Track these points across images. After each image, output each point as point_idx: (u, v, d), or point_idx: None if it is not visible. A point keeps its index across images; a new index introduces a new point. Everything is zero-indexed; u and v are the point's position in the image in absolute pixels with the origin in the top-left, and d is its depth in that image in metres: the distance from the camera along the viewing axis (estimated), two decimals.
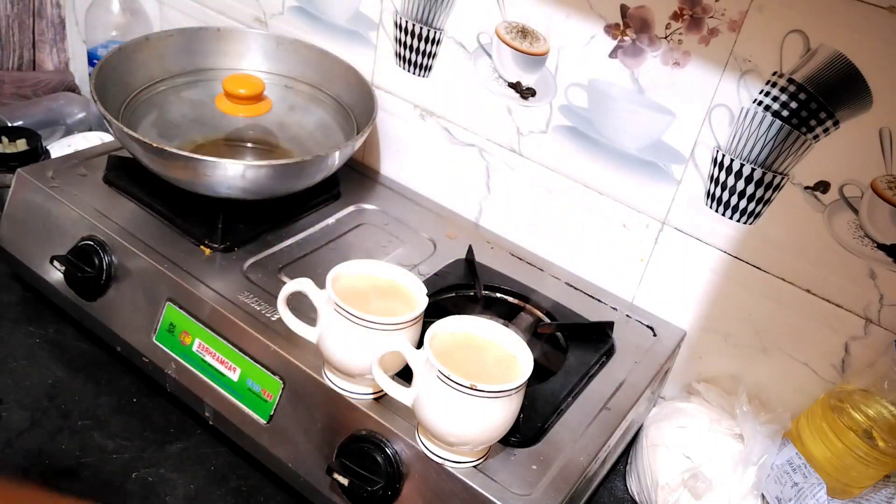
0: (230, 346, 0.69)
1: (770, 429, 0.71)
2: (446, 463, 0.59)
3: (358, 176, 0.98)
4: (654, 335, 0.80)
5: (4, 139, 0.95)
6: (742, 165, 0.72)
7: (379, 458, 0.61)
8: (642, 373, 0.74)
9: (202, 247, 0.78)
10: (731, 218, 0.75)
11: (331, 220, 0.87)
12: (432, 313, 0.64)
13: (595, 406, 0.69)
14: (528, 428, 0.64)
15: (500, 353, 0.59)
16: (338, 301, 0.59)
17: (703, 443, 0.73)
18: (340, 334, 0.59)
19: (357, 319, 0.58)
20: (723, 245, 0.77)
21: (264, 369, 0.68)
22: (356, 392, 0.63)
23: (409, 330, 0.60)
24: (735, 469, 0.69)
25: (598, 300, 0.84)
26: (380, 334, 0.58)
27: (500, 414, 0.55)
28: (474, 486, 0.58)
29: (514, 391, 0.55)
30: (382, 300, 0.62)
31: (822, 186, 0.69)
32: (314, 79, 0.97)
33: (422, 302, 0.61)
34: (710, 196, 0.75)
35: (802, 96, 0.67)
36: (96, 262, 0.76)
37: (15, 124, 1.07)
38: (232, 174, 0.74)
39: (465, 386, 0.53)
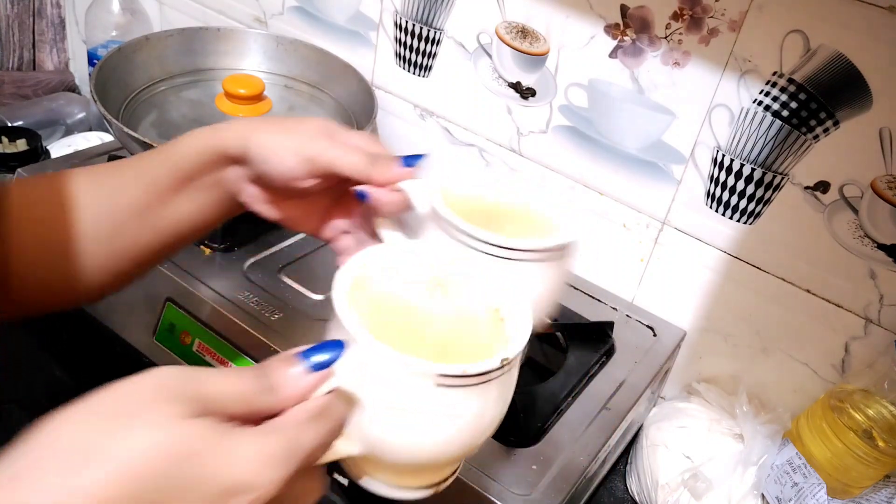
0: (230, 346, 0.69)
1: (770, 429, 0.71)
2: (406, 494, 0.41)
3: None
4: (654, 335, 0.80)
5: (4, 139, 0.95)
6: (742, 165, 0.72)
7: None
8: (642, 373, 0.74)
9: (202, 247, 0.78)
10: (731, 218, 0.75)
11: None
12: None
13: (595, 406, 0.69)
14: (528, 428, 0.64)
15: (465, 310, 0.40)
16: (455, 220, 0.41)
17: (703, 443, 0.73)
18: None
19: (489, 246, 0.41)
20: (723, 245, 0.77)
21: None
22: None
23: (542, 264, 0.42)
24: (735, 469, 0.69)
25: (598, 300, 0.84)
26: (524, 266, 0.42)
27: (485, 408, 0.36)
28: (474, 486, 0.58)
29: (499, 371, 0.35)
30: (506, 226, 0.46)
31: (822, 186, 0.69)
32: (314, 79, 0.97)
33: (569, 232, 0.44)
34: (710, 196, 0.75)
35: (802, 96, 0.67)
36: None
37: (15, 124, 1.07)
38: None
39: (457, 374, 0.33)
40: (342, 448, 0.35)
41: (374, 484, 0.40)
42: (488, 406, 0.36)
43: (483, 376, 0.34)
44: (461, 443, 0.36)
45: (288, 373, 0.33)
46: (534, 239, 0.42)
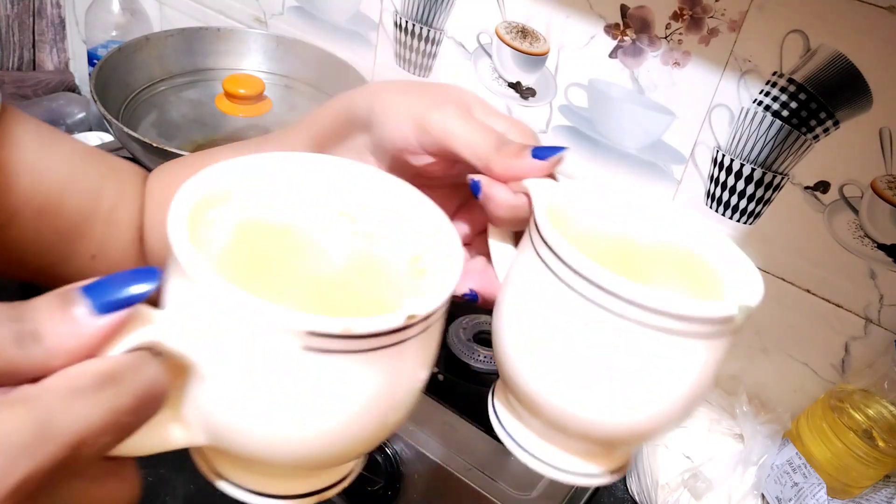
0: None
1: (770, 429, 0.71)
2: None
3: None
4: None
5: None
6: (742, 165, 0.72)
7: (379, 458, 0.61)
8: None
9: None
10: (731, 218, 0.75)
11: None
12: None
13: None
14: None
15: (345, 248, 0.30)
16: (576, 263, 0.27)
17: (703, 443, 0.73)
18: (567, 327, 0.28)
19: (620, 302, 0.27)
20: None
21: None
22: None
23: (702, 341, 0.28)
24: (735, 469, 0.69)
25: None
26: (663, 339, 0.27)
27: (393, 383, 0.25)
28: (474, 486, 0.58)
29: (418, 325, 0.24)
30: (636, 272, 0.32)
31: (822, 186, 0.69)
32: (314, 79, 0.97)
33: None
34: (710, 196, 0.75)
35: (802, 96, 0.67)
36: None
37: None
38: None
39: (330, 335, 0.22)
40: (176, 435, 0.25)
41: (232, 488, 0.28)
42: (386, 385, 0.24)
43: (378, 338, 0.23)
44: (344, 436, 0.25)
45: (62, 314, 0.21)
46: (704, 302, 0.29)
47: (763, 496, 0.70)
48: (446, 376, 0.69)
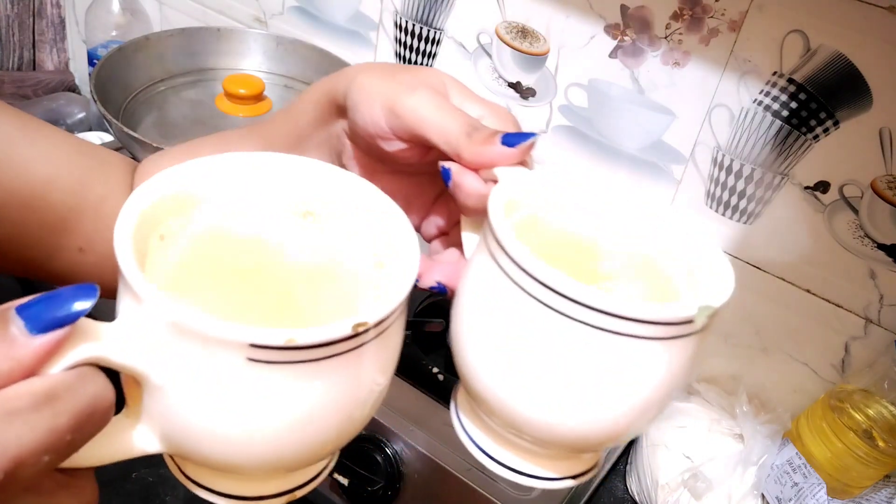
0: None
1: (770, 429, 0.71)
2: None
3: None
4: None
5: None
6: (742, 165, 0.72)
7: (379, 458, 0.61)
8: None
9: None
10: (731, 218, 0.75)
11: None
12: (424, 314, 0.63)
13: None
14: None
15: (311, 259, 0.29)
16: (533, 268, 0.26)
17: (703, 443, 0.73)
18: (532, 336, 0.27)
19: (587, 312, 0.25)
20: (723, 245, 0.76)
21: None
22: None
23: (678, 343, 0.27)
24: (735, 469, 0.69)
25: None
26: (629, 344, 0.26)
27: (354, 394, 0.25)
28: (474, 486, 0.58)
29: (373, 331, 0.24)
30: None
31: (822, 186, 0.69)
32: (314, 79, 0.97)
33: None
34: (710, 196, 0.75)
35: (802, 96, 0.67)
36: None
37: None
38: None
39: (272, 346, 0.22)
40: (137, 443, 0.25)
41: (201, 492, 0.28)
42: (341, 393, 0.24)
43: (326, 348, 0.22)
44: (301, 443, 0.25)
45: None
46: (660, 304, 0.27)
47: (763, 496, 0.70)
48: (446, 376, 0.69)
